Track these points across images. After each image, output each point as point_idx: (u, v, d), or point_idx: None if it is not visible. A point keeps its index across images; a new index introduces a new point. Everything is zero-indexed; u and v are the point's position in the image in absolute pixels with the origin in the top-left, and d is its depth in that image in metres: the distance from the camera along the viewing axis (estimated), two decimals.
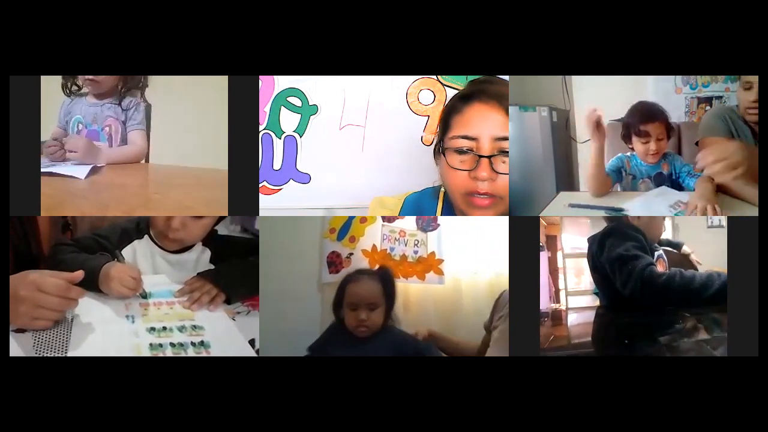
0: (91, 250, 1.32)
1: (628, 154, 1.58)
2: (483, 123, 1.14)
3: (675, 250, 1.65)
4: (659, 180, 1.56)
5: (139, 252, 1.38)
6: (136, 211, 1.29)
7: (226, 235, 1.51)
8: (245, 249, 1.43)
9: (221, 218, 1.42)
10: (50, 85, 1.66)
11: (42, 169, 1.39)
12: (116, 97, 1.66)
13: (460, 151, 1.15)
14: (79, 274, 1.08)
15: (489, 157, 1.12)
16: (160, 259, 1.39)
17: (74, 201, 1.29)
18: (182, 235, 1.34)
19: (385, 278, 1.38)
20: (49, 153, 1.53)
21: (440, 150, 1.19)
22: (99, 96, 1.65)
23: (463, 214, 1.19)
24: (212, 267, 1.38)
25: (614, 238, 1.38)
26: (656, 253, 1.43)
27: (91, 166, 1.49)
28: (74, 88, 1.65)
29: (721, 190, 1.39)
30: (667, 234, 1.71)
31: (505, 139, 1.13)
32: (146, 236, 1.39)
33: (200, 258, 1.41)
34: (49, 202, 1.22)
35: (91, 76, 1.59)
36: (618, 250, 1.35)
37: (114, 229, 1.39)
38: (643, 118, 1.52)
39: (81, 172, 1.43)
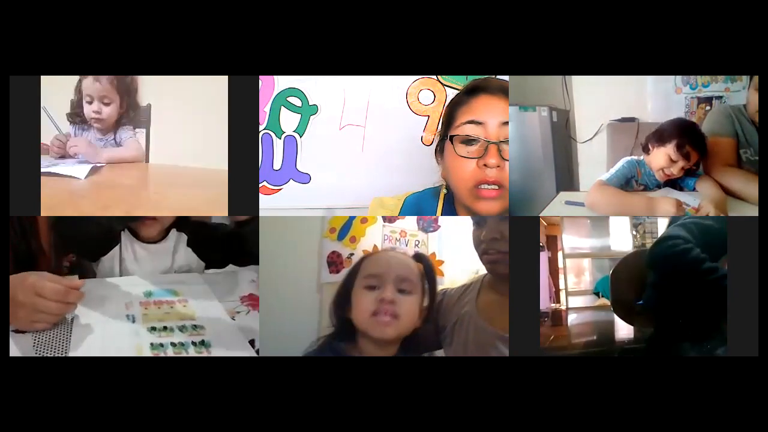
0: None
1: (636, 158, 1.49)
2: (489, 110, 1.15)
3: None
4: (668, 182, 1.50)
5: (122, 243, 1.46)
6: (136, 211, 1.30)
7: (199, 220, 1.57)
8: (222, 234, 1.51)
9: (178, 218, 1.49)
10: (50, 85, 1.66)
11: (42, 169, 1.40)
12: (113, 133, 1.73)
13: (468, 142, 1.15)
14: (80, 283, 1.09)
15: (497, 143, 1.13)
16: (140, 249, 1.46)
17: (74, 201, 1.29)
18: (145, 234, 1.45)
19: (422, 259, 1.08)
20: (53, 150, 1.61)
21: (448, 139, 1.18)
22: (102, 131, 1.72)
23: (469, 210, 1.18)
24: (191, 250, 1.47)
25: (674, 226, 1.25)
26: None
27: (91, 166, 1.50)
28: (78, 119, 1.73)
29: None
30: None
31: (506, 123, 1.14)
32: (126, 229, 1.46)
33: (177, 244, 1.48)
34: (49, 202, 1.22)
35: (96, 116, 1.67)
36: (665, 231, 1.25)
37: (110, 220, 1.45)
38: (694, 142, 1.40)
39: (81, 171, 1.43)
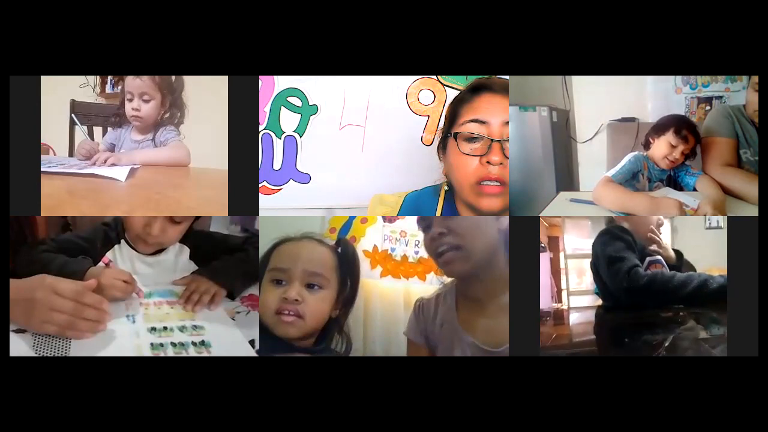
0: (70, 253, 1.27)
1: (642, 153, 1.55)
2: (493, 108, 1.17)
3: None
4: (669, 182, 1.56)
5: (118, 256, 1.36)
6: (136, 211, 1.29)
7: (201, 231, 1.51)
8: (224, 245, 1.42)
9: (197, 218, 1.42)
10: (50, 85, 1.67)
11: (82, 171, 1.40)
12: (152, 133, 1.69)
13: (471, 139, 1.16)
14: (93, 283, 1.07)
15: (500, 141, 1.15)
16: (139, 262, 1.37)
17: (74, 201, 1.29)
18: (161, 239, 1.33)
19: (343, 251, 1.00)
20: (84, 150, 1.59)
21: (452, 136, 1.19)
22: (141, 130, 1.69)
23: (471, 207, 1.19)
24: (193, 264, 1.38)
25: (606, 239, 1.41)
26: (650, 258, 1.42)
27: (130, 167, 1.48)
28: (117, 120, 1.71)
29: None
30: (665, 235, 1.71)
31: (507, 123, 1.16)
32: (123, 241, 1.37)
33: (179, 257, 1.40)
34: (49, 202, 1.22)
35: (135, 113, 1.64)
36: (608, 250, 1.38)
37: (96, 233, 1.36)
38: (690, 127, 1.51)
39: (121, 173, 1.42)
